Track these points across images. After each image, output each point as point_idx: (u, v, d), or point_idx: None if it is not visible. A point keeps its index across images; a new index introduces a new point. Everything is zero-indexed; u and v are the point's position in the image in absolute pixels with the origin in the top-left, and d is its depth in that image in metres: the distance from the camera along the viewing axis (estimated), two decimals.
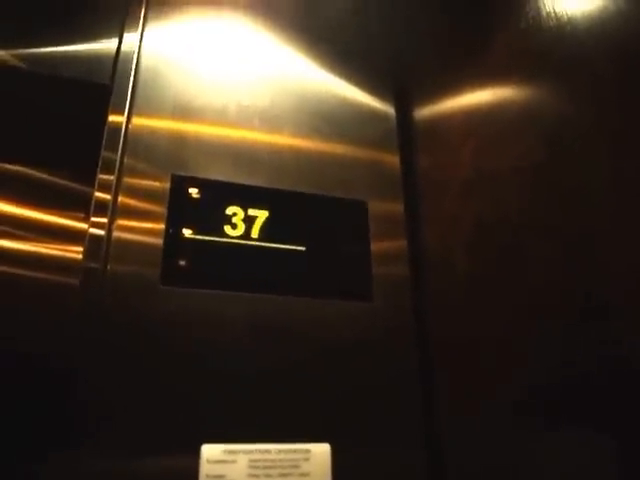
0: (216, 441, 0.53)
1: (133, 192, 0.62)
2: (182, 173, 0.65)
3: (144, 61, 0.70)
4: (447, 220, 0.66)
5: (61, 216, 0.71)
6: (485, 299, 0.57)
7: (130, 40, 0.71)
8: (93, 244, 0.58)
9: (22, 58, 0.67)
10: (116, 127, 0.64)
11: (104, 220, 0.59)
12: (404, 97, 0.81)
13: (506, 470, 0.51)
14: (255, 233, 0.65)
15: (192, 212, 0.63)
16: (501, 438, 0.52)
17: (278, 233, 0.66)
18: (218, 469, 0.52)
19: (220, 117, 0.70)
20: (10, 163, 0.71)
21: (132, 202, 0.61)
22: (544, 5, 0.52)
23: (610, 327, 0.41)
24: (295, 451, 0.55)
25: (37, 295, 0.66)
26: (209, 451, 0.53)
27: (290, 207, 0.68)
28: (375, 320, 0.65)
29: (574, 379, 0.44)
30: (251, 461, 0.53)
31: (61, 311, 0.59)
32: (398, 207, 0.73)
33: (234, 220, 0.64)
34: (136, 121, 0.66)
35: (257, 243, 0.64)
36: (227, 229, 0.64)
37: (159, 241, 0.60)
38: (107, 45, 0.70)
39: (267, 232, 0.65)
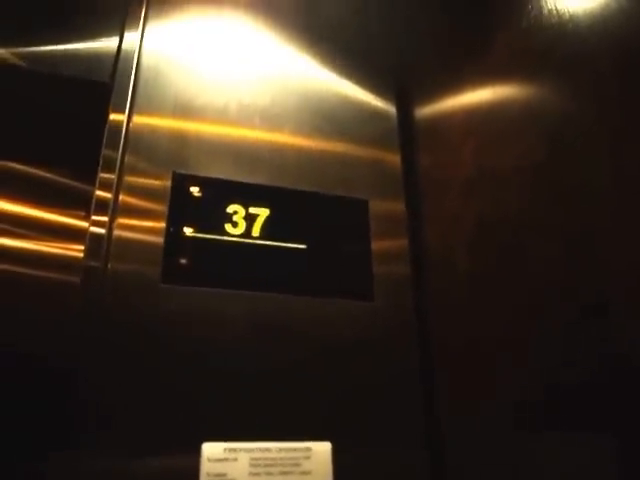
0: (217, 439, 0.53)
1: (134, 190, 0.62)
2: (183, 171, 0.65)
3: (145, 60, 0.70)
4: (448, 219, 0.66)
5: (62, 214, 0.71)
6: (486, 298, 0.57)
7: (131, 39, 0.70)
8: (94, 242, 0.58)
9: (22, 57, 0.67)
10: (117, 125, 0.64)
11: (105, 218, 0.59)
12: (405, 96, 0.81)
13: (506, 470, 0.51)
14: (256, 231, 0.65)
15: (193, 210, 0.63)
16: (501, 438, 0.52)
17: (279, 231, 0.66)
18: (219, 467, 0.52)
19: (221, 115, 0.70)
20: (11, 161, 0.71)
21: (133, 200, 0.61)
22: (546, 3, 0.51)
23: (611, 325, 0.40)
24: (296, 449, 0.55)
25: (38, 293, 0.66)
26: (210, 449, 0.53)
27: (291, 205, 0.68)
28: (376, 319, 0.65)
29: (574, 378, 0.43)
30: (252, 459, 0.53)
31: (61, 309, 0.59)
32: (399, 206, 0.73)
33: (235, 218, 0.64)
34: (137, 119, 0.65)
35: (258, 241, 0.64)
36: (228, 227, 0.64)
37: (160, 239, 0.60)
38: (107, 44, 0.70)
39: (268, 230, 0.65)
